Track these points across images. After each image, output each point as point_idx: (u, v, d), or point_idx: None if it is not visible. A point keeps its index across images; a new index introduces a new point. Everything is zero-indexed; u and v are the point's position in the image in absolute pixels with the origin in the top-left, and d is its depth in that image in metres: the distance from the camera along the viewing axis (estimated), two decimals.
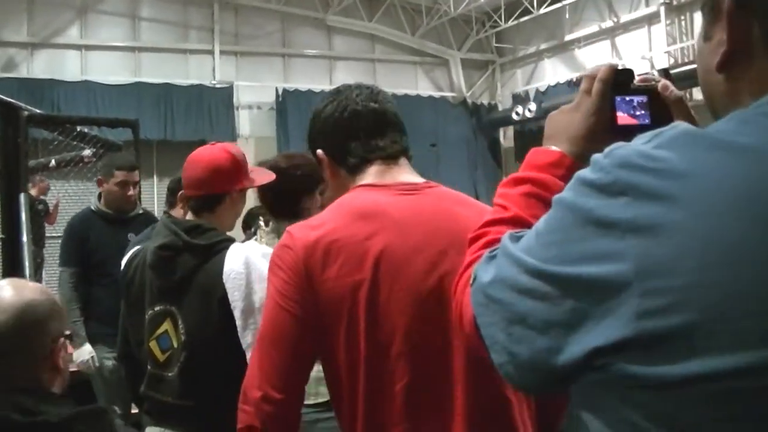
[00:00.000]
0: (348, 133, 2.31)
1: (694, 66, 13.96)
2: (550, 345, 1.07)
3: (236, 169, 3.31)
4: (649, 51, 17.45)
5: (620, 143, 1.09)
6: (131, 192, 5.48)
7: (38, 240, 10.96)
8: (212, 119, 19.10)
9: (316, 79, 20.33)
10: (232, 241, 3.18)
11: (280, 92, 19.82)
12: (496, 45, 21.95)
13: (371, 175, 2.25)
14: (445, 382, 2.04)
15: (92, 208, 5.56)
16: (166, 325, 3.19)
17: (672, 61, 16.92)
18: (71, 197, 11.59)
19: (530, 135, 20.62)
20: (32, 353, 2.25)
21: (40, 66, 18.22)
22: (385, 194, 2.17)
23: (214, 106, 19.15)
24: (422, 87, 21.49)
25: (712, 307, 0.90)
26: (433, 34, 21.39)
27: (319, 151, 2.36)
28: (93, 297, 5.42)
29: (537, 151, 1.55)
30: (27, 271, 5.64)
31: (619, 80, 1.48)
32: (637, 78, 1.52)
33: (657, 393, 0.95)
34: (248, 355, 2.90)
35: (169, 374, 3.17)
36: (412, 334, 2.01)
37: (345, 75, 20.70)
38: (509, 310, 1.14)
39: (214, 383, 3.02)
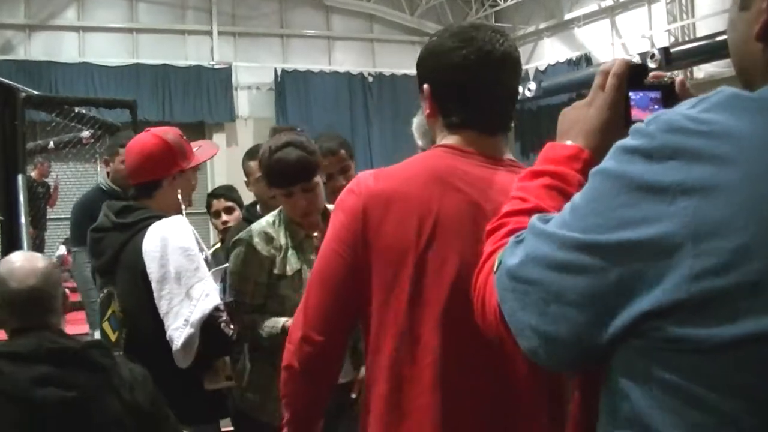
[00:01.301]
0: (462, 89, 2.11)
1: (694, 44, 13.94)
2: (594, 319, 1.05)
3: (169, 153, 3.33)
4: (649, 29, 17.39)
5: (664, 110, 1.08)
6: None
7: (39, 222, 10.94)
8: (210, 100, 19.06)
9: (314, 60, 20.30)
10: (157, 218, 3.21)
11: (278, 73, 19.77)
12: (495, 24, 21.90)
13: (461, 139, 2.13)
14: (476, 366, 1.98)
15: (102, 187, 5.54)
16: (113, 306, 3.26)
17: (672, 39, 16.86)
18: (70, 179, 11.60)
19: (530, 114, 20.58)
20: (57, 305, 2.78)
21: (37, 48, 18.17)
22: (464, 162, 2.07)
23: (212, 87, 19.11)
24: None
25: (756, 270, 0.90)
26: (431, 13, 21.32)
27: (426, 87, 2.17)
28: None
29: (553, 146, 1.53)
30: None
31: (633, 75, 1.47)
32: (650, 74, 1.50)
33: (708, 355, 0.93)
34: (166, 323, 3.01)
35: (118, 352, 3.21)
36: (453, 309, 1.94)
37: (344, 55, 20.69)
38: (544, 289, 1.12)
39: (155, 357, 3.05)
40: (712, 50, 14.71)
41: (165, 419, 2.74)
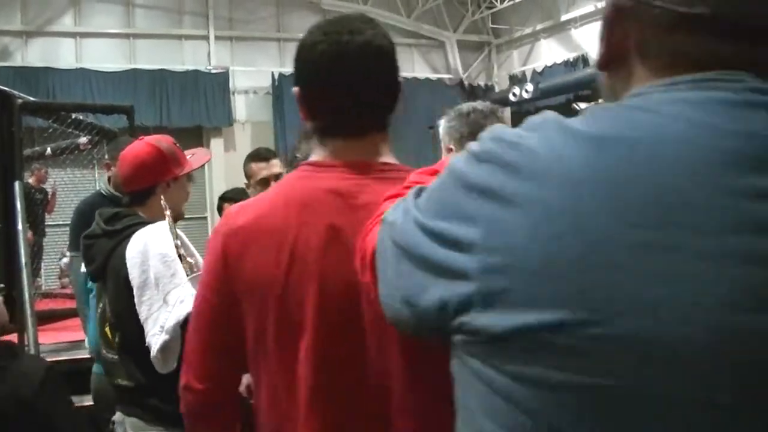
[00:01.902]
0: (322, 88, 2.01)
1: None
2: (422, 286, 1.18)
3: (162, 161, 3.37)
4: None
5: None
6: None
7: (37, 229, 10.93)
8: (208, 105, 19.07)
9: None
10: (144, 224, 3.24)
11: (276, 77, 19.78)
12: (492, 26, 21.92)
13: (328, 151, 1.99)
14: (353, 391, 1.85)
15: (102, 192, 5.52)
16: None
17: None
18: (68, 185, 11.57)
19: (527, 116, 20.44)
20: None
21: (34, 54, 18.17)
22: (325, 179, 1.93)
23: (209, 91, 19.13)
24: (418, 69, 21.45)
25: (535, 270, 1.02)
26: (428, 15, 21.35)
27: (295, 89, 2.10)
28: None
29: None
30: (23, 260, 5.61)
31: None
32: None
33: (497, 344, 1.06)
34: (146, 329, 3.02)
35: (115, 357, 3.32)
36: (321, 339, 1.83)
37: None
38: (401, 248, 1.25)
39: (146, 362, 3.08)
40: None
41: (52, 414, 2.65)
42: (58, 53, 18.41)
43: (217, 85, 19.26)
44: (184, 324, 2.91)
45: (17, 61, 18.03)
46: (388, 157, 2.00)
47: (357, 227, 1.68)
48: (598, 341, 0.99)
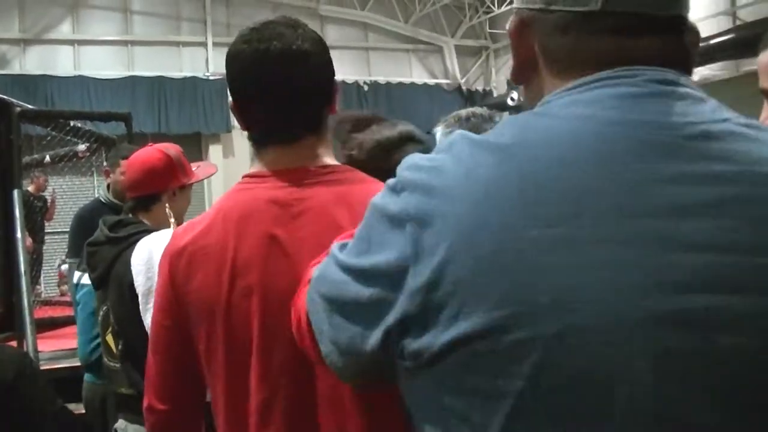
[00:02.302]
0: (251, 96, 1.95)
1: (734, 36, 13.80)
2: (361, 330, 1.19)
3: (170, 168, 3.38)
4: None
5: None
6: None
7: (37, 236, 10.92)
8: (206, 111, 19.08)
9: None
10: (148, 232, 3.23)
11: None
12: (490, 30, 21.93)
13: (263, 162, 1.96)
14: (300, 403, 1.83)
15: (102, 199, 5.50)
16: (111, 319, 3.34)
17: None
18: (66, 192, 11.57)
19: None
20: None
21: (32, 62, 18.18)
22: (261, 191, 1.91)
23: (208, 98, 19.13)
24: (416, 74, 21.48)
25: (459, 283, 1.04)
26: (426, 21, 21.37)
27: (230, 100, 2.01)
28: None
29: None
30: (22, 267, 5.61)
31: None
32: None
33: (437, 363, 1.07)
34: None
35: (117, 365, 3.34)
36: (268, 354, 1.82)
37: (338, 64, 20.42)
38: (330, 300, 1.27)
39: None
40: (705, 53, 14.72)
41: (32, 397, 2.66)
42: (57, 60, 18.42)
43: (216, 91, 19.25)
44: None
45: (15, 68, 18.05)
46: (327, 158, 1.97)
47: (297, 236, 1.74)
48: (524, 343, 1.00)
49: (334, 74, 2.02)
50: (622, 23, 1.17)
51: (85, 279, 4.17)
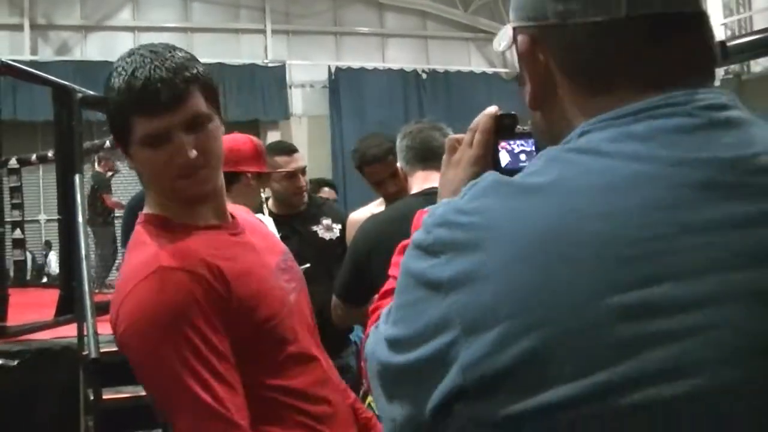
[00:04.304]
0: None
1: (751, 38, 13.78)
2: (414, 403, 1.08)
3: (255, 152, 3.57)
4: None
5: (440, 203, 1.14)
6: None
7: (107, 217, 11.04)
8: (265, 98, 19.15)
9: (368, 57, 20.34)
10: None
11: (332, 70, 19.82)
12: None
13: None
14: None
15: None
16: None
17: (729, 33, 16.68)
18: (125, 177, 11.67)
19: None
20: None
21: (93, 48, 18.37)
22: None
23: (266, 85, 19.21)
24: (475, 63, 21.39)
25: (528, 349, 0.93)
26: (485, 9, 21.27)
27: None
28: None
29: (423, 213, 1.38)
30: (83, 252, 5.66)
31: (503, 126, 1.45)
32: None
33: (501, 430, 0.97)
34: None
35: None
36: None
37: (397, 52, 20.68)
38: (382, 378, 1.18)
39: None
40: None
41: None
42: (117, 47, 18.53)
43: (274, 78, 19.33)
44: None
45: (76, 55, 18.25)
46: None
47: None
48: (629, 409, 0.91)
49: None
50: (650, 27, 1.08)
51: None
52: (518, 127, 1.46)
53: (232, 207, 2.17)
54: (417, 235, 1.11)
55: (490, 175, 1.10)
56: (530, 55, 1.18)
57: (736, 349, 0.89)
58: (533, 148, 1.44)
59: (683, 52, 1.09)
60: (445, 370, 1.00)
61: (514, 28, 1.22)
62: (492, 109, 1.46)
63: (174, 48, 2.00)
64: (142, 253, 1.89)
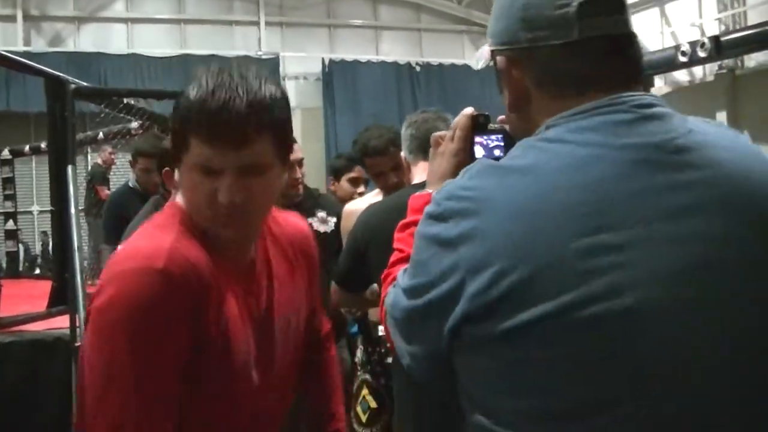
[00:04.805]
0: None
1: (745, 33, 13.83)
2: (432, 332, 1.44)
3: None
4: (699, 18, 17.25)
5: (450, 180, 1.53)
6: (157, 178, 5.30)
7: (101, 209, 11.03)
8: None
9: (362, 50, 20.36)
10: None
11: (326, 63, 19.83)
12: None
13: None
14: None
15: (129, 184, 5.49)
16: None
17: (723, 28, 16.70)
18: (119, 169, 11.65)
19: None
20: None
21: (86, 40, 18.37)
22: None
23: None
24: (468, 56, 21.37)
25: (515, 281, 1.30)
26: (479, 2, 21.27)
27: None
28: None
29: (416, 197, 1.90)
30: (75, 243, 5.66)
31: (478, 123, 1.80)
32: (498, 119, 1.80)
33: (501, 341, 1.33)
34: None
35: None
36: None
37: (391, 45, 20.70)
38: (404, 322, 1.53)
39: None
40: (763, 39, 14.54)
41: None
42: (110, 39, 18.58)
43: (267, 70, 19.13)
44: None
45: (70, 46, 18.24)
46: None
47: None
48: (593, 319, 1.29)
49: None
50: (598, 47, 1.45)
51: None
52: (490, 124, 1.82)
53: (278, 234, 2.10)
54: (428, 208, 1.48)
55: (483, 161, 1.50)
56: (507, 72, 1.55)
57: (657, 276, 1.29)
58: (502, 143, 1.79)
59: (622, 64, 1.47)
60: (455, 302, 1.36)
61: (492, 51, 1.61)
62: (469, 110, 1.83)
63: (266, 81, 1.84)
64: (154, 240, 1.83)
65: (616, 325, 1.29)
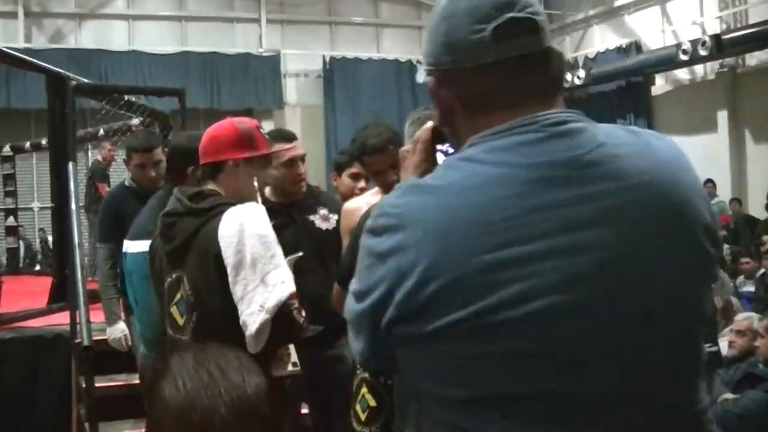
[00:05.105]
0: None
1: (746, 31, 13.81)
2: (372, 328, 1.61)
3: (237, 138, 3.37)
4: (700, 16, 17.22)
5: (386, 196, 1.67)
6: (152, 173, 5.26)
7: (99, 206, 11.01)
8: (259, 88, 19.17)
9: (362, 47, 20.34)
10: (231, 204, 3.22)
11: (326, 60, 19.82)
12: (547, 11, 21.71)
13: None
14: None
15: (125, 183, 5.45)
16: (182, 291, 3.28)
17: (724, 26, 16.69)
18: (120, 165, 11.66)
19: (578, 102, 20.46)
20: None
21: (87, 37, 18.36)
22: None
23: (260, 74, 19.21)
24: None
25: (435, 290, 1.46)
26: None
27: None
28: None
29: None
30: (76, 240, 5.67)
31: (438, 134, 1.87)
32: None
33: (425, 341, 1.50)
34: (240, 308, 3.06)
35: (184, 337, 3.26)
36: None
37: (392, 42, 20.68)
38: (353, 323, 1.68)
39: (223, 342, 3.05)
40: (764, 37, 14.53)
41: None
42: (111, 36, 18.57)
43: (268, 68, 19.33)
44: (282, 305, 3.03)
45: (70, 43, 18.23)
46: None
47: None
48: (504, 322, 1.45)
49: None
50: (513, 66, 1.58)
51: (133, 248, 4.19)
52: None
53: None
54: (368, 222, 1.62)
55: (410, 180, 1.69)
56: (436, 91, 1.67)
57: (556, 286, 1.44)
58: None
59: (535, 81, 1.60)
60: (387, 306, 1.52)
61: (426, 70, 1.71)
62: (429, 124, 1.92)
63: (248, 372, 1.73)
64: None
65: (521, 327, 1.45)
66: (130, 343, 4.92)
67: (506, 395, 1.50)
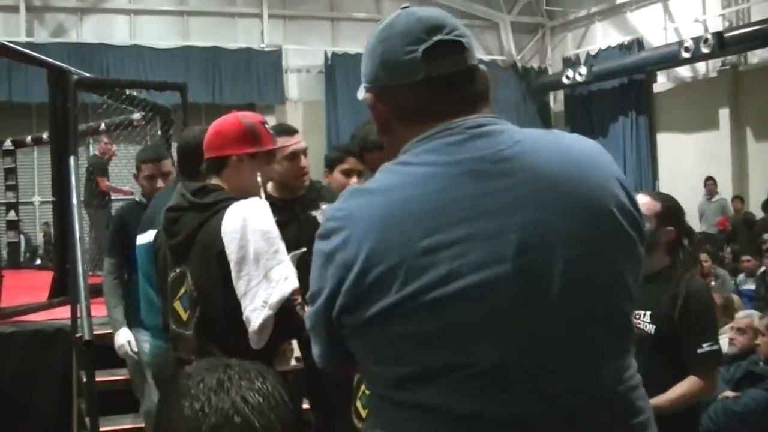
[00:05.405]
0: None
1: (749, 29, 13.81)
2: (326, 323, 1.78)
3: (241, 133, 3.35)
4: (702, 14, 17.21)
5: (330, 204, 1.91)
6: (161, 184, 5.26)
7: (102, 200, 10.96)
8: (260, 83, 19.15)
9: (364, 43, 20.20)
10: (235, 199, 3.21)
11: (328, 56, 19.81)
12: (547, 8, 21.76)
13: None
14: None
15: (137, 199, 5.45)
16: (185, 286, 3.28)
17: (726, 24, 16.68)
18: (121, 160, 11.65)
19: (580, 99, 20.46)
20: None
21: (89, 31, 18.35)
22: None
23: (262, 69, 19.20)
24: None
25: (375, 277, 1.64)
26: None
27: None
28: (135, 284, 5.27)
29: None
30: (77, 234, 5.67)
31: None
32: None
33: (366, 327, 1.69)
34: (243, 304, 3.06)
35: (188, 332, 3.27)
36: None
37: None
38: (310, 321, 1.86)
39: (227, 337, 3.09)
40: (767, 35, 14.52)
41: None
42: (113, 30, 18.56)
43: (270, 63, 19.32)
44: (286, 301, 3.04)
45: (72, 37, 18.22)
46: None
47: None
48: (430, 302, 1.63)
49: None
50: (441, 83, 1.79)
51: (141, 240, 4.28)
52: None
53: None
54: (318, 229, 1.80)
55: (350, 187, 1.86)
56: (374, 106, 1.89)
57: (481, 264, 1.62)
58: None
59: (460, 95, 1.81)
60: (336, 299, 1.70)
61: (364, 87, 1.91)
62: None
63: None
64: None
65: (450, 304, 1.62)
66: (135, 350, 4.89)
67: (438, 370, 1.66)
